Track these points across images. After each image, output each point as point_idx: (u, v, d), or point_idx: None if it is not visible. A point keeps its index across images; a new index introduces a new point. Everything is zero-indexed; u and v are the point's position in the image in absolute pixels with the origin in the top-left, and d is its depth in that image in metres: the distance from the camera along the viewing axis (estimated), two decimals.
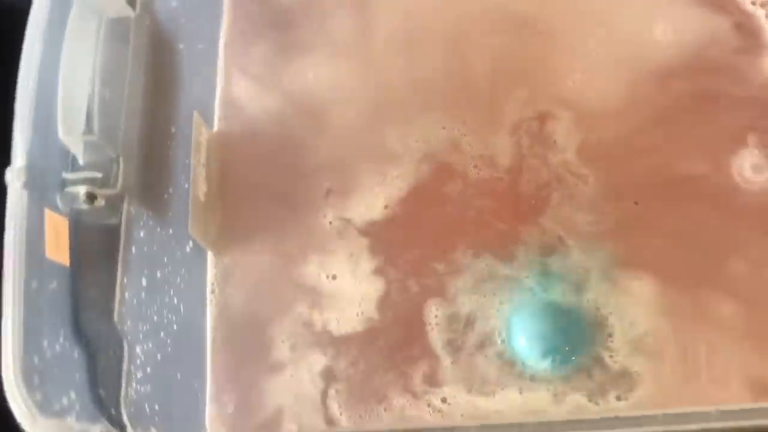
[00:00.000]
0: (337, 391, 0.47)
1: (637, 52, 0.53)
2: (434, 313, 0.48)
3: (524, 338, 0.46)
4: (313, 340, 0.49)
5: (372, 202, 0.52)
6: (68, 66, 0.42)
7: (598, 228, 0.49)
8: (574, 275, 0.47)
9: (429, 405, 0.46)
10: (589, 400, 0.45)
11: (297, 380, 0.48)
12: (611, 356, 0.46)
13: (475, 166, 0.52)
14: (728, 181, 0.49)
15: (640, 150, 0.51)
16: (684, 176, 0.50)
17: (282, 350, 0.49)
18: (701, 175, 0.50)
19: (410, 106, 0.54)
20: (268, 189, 0.54)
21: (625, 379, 0.45)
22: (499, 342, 0.47)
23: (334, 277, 0.50)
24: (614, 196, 0.50)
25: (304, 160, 0.54)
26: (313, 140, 0.55)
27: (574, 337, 0.46)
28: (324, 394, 0.48)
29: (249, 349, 0.50)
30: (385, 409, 0.47)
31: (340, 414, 0.47)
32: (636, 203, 0.50)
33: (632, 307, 0.46)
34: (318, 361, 0.48)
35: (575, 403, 0.45)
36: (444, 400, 0.46)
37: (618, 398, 0.45)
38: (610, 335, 0.46)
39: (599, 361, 0.45)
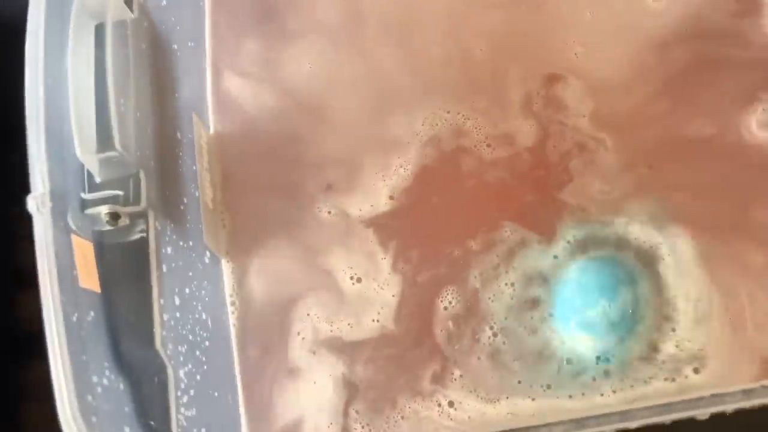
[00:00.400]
0: (357, 397, 0.47)
1: (634, 22, 0.53)
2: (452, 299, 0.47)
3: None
4: (332, 345, 0.48)
5: (377, 192, 0.50)
6: (76, 78, 0.38)
7: (619, 193, 0.49)
8: (610, 243, 0.48)
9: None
10: (666, 379, 0.45)
11: (319, 388, 0.47)
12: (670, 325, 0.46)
13: (489, 145, 0.51)
14: (739, 139, 0.50)
15: (649, 118, 0.51)
16: (695, 138, 0.50)
17: (302, 356, 0.48)
18: (712, 135, 0.50)
19: (412, 93, 0.53)
20: (272, 189, 0.52)
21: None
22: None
23: (351, 278, 0.49)
24: (629, 163, 0.50)
25: (306, 155, 0.52)
26: (314, 134, 0.53)
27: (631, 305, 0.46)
28: (346, 403, 0.46)
29: (273, 358, 0.48)
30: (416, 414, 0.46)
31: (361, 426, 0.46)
32: (650, 167, 0.50)
33: (675, 267, 0.47)
34: (336, 367, 0.47)
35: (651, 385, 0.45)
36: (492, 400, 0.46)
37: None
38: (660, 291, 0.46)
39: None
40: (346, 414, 0.47)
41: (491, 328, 0.47)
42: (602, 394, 0.45)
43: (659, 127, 0.51)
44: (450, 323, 0.47)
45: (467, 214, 0.50)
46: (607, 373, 0.45)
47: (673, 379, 0.45)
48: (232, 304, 0.49)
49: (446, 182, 0.51)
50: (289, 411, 0.47)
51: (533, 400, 0.45)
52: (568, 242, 0.48)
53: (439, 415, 0.46)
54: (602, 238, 0.48)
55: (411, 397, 0.46)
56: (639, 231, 0.48)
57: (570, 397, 0.45)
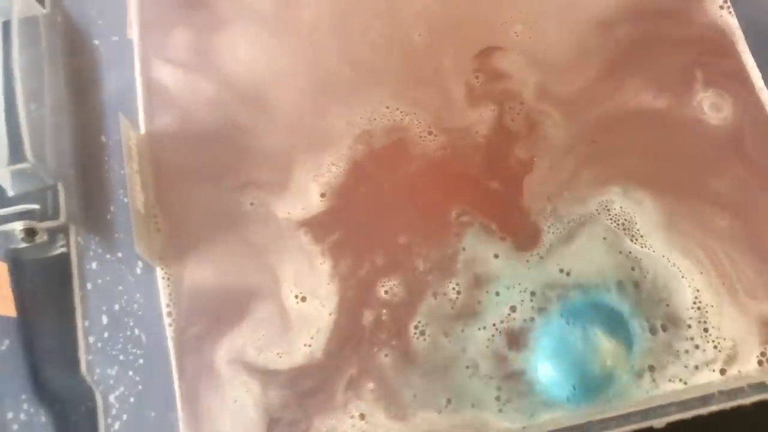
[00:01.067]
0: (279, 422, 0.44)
1: (577, 2, 0.52)
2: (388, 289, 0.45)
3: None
4: (264, 357, 0.45)
5: (311, 192, 0.48)
6: None
7: (570, 172, 0.48)
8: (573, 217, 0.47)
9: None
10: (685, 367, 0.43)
11: (241, 407, 0.44)
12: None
13: (430, 136, 0.49)
14: (683, 113, 0.49)
15: (594, 94, 0.49)
16: (642, 111, 0.49)
17: (228, 374, 0.45)
18: (658, 109, 0.49)
19: (352, 85, 0.50)
20: (209, 189, 0.49)
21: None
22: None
23: (296, 297, 0.46)
24: (579, 139, 0.48)
25: (244, 152, 0.49)
26: (252, 128, 0.50)
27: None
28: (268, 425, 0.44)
29: (210, 373, 0.45)
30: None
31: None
32: (596, 142, 0.48)
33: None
34: (257, 387, 0.44)
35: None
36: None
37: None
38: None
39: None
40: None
41: (421, 331, 0.45)
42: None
43: (606, 103, 0.49)
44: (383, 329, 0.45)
45: (410, 211, 0.48)
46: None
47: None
48: (169, 315, 0.46)
49: (389, 177, 0.48)
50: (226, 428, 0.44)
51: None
52: (524, 237, 0.46)
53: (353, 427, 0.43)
54: (565, 228, 0.47)
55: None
56: (604, 209, 0.47)
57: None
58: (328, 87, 0.50)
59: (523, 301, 0.45)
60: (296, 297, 0.46)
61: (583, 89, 0.50)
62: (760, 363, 0.42)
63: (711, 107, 0.49)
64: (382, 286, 0.46)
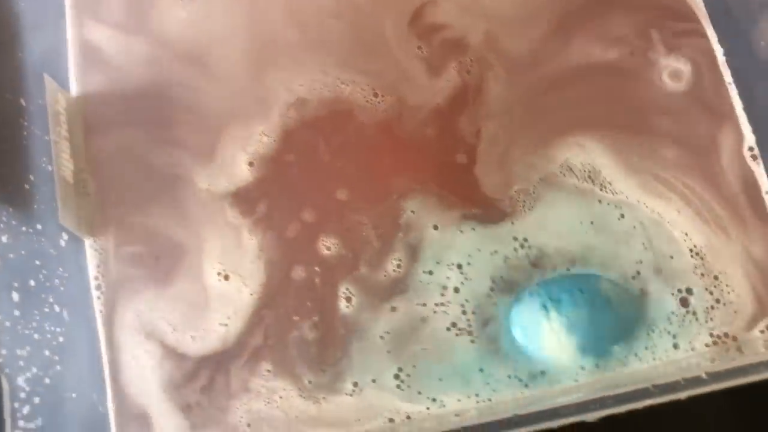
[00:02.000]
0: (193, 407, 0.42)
1: None
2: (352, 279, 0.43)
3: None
4: (179, 336, 0.43)
5: (240, 162, 0.45)
6: None
7: (529, 125, 0.46)
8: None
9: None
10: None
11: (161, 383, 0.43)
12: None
13: (376, 95, 0.46)
14: (635, 66, 0.47)
15: (544, 52, 0.47)
16: (595, 66, 0.47)
17: (152, 347, 0.43)
18: (609, 64, 0.47)
19: (297, 49, 0.48)
20: (142, 156, 0.46)
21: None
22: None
23: (219, 274, 0.44)
24: (530, 96, 0.46)
25: (178, 114, 0.47)
26: (188, 90, 0.47)
27: None
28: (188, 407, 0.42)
29: (138, 348, 0.43)
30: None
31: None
32: (545, 96, 0.47)
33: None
34: (183, 363, 0.43)
35: None
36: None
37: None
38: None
39: None
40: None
41: (349, 304, 0.43)
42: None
43: (556, 58, 0.47)
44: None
45: (348, 182, 0.45)
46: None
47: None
48: (98, 288, 0.44)
49: (328, 147, 0.46)
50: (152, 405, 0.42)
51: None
52: (470, 213, 0.44)
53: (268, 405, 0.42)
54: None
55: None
56: (565, 165, 0.45)
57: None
58: (271, 49, 0.48)
59: (465, 273, 0.43)
60: (219, 274, 0.43)
61: (532, 45, 0.47)
62: None
63: (665, 64, 0.47)
64: (310, 263, 0.44)
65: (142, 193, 0.45)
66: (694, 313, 0.43)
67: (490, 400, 0.41)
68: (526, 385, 0.41)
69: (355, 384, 0.42)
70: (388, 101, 0.46)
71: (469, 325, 0.42)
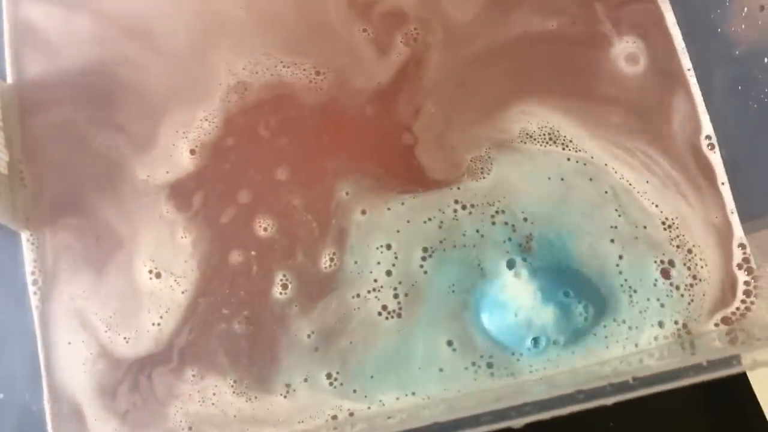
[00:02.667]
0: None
1: None
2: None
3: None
4: (112, 336, 0.42)
5: (181, 149, 0.44)
6: None
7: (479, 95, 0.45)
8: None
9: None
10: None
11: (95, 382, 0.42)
12: None
13: (318, 73, 0.45)
14: (581, 31, 0.46)
15: (487, 21, 0.46)
16: (534, 35, 0.46)
17: (89, 346, 0.42)
18: (553, 29, 0.46)
19: (242, 27, 0.46)
20: (83, 144, 0.45)
21: None
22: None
23: (150, 272, 0.42)
24: (475, 67, 0.45)
25: (126, 96, 0.45)
26: (136, 69, 0.45)
27: None
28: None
29: (72, 345, 0.42)
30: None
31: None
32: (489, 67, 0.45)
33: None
34: (117, 364, 0.42)
35: None
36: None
37: None
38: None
39: None
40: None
41: (285, 295, 0.41)
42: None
43: (497, 28, 0.46)
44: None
45: (294, 166, 0.44)
46: None
47: None
48: (34, 283, 0.43)
49: (268, 132, 0.44)
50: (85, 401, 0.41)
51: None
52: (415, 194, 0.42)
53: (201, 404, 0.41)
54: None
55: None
56: (522, 131, 0.44)
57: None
58: (216, 27, 0.46)
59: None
60: (150, 272, 0.42)
61: (474, 17, 0.46)
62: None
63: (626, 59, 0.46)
64: (247, 248, 0.42)
65: (82, 183, 0.44)
66: (677, 288, 0.42)
67: (428, 398, 0.40)
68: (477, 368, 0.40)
69: (288, 385, 0.41)
70: (330, 83, 0.45)
71: (399, 307, 0.41)
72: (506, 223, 0.43)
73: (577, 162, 0.44)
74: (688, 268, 0.42)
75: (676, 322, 0.41)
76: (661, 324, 0.41)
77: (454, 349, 0.41)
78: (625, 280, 0.42)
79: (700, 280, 0.42)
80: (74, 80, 0.45)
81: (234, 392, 0.40)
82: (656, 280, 0.42)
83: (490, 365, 0.40)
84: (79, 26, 0.46)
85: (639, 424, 0.43)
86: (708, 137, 0.44)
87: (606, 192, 0.43)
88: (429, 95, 0.44)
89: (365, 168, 0.43)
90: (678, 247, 0.43)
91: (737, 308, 0.42)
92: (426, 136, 0.44)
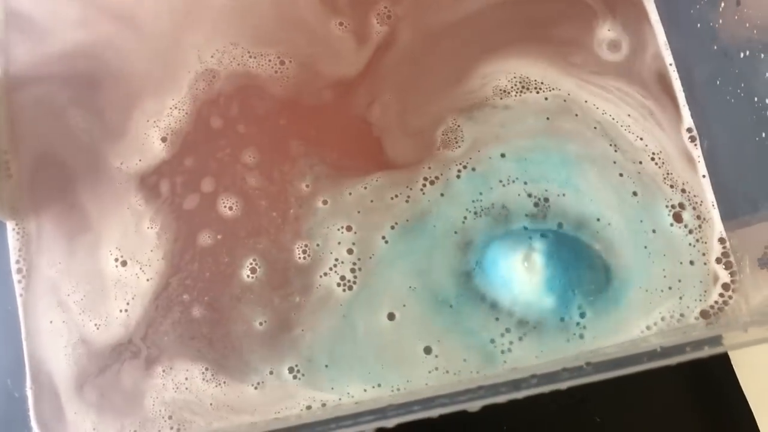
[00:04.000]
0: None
1: None
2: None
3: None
4: (83, 321, 0.43)
5: (151, 138, 0.44)
6: None
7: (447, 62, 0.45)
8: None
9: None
10: None
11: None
12: None
13: (282, 63, 0.45)
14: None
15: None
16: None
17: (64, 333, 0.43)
18: None
19: (220, 14, 0.46)
20: (66, 131, 0.45)
21: None
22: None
23: (116, 260, 0.43)
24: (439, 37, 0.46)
25: (105, 82, 0.45)
26: (117, 56, 0.46)
27: None
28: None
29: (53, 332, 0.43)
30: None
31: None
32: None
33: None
34: (90, 351, 0.42)
35: None
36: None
37: None
38: None
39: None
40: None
41: (252, 283, 0.42)
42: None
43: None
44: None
45: (260, 156, 0.44)
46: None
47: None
48: (19, 271, 0.43)
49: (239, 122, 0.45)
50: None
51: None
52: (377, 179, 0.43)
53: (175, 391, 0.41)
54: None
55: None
56: (495, 89, 0.45)
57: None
58: (197, 12, 0.46)
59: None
60: (116, 260, 0.42)
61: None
62: None
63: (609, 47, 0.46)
64: (206, 241, 0.43)
65: (65, 172, 0.44)
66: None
67: (399, 389, 0.40)
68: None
69: (257, 376, 0.41)
70: (296, 73, 0.45)
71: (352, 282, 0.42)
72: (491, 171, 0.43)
73: (556, 100, 0.44)
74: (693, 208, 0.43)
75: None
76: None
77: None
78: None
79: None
80: (61, 65, 0.46)
81: (204, 379, 0.41)
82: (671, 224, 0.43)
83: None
84: (65, 9, 0.46)
85: (616, 405, 0.43)
86: (689, 130, 0.44)
87: (595, 128, 0.44)
88: (393, 79, 0.45)
89: (330, 156, 0.44)
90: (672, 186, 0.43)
91: (716, 302, 0.42)
92: (389, 122, 0.44)
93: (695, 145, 0.44)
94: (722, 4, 0.39)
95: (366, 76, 0.45)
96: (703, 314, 0.42)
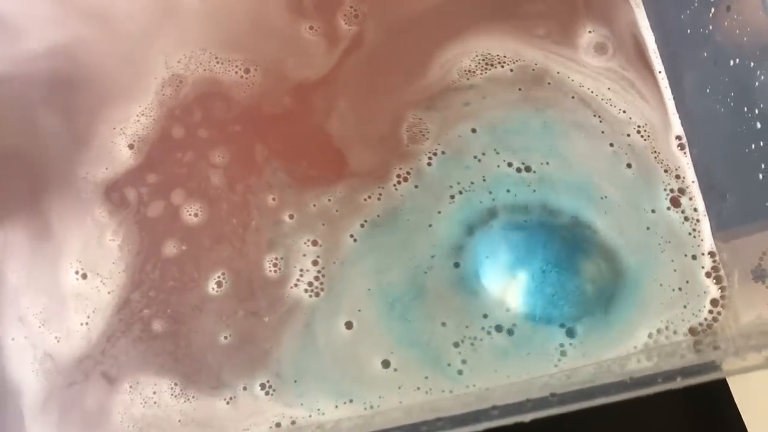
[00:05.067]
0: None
1: None
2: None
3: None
4: (43, 335, 0.41)
5: (118, 146, 0.43)
6: None
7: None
8: None
9: None
10: None
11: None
12: None
13: (247, 71, 0.44)
14: None
15: None
16: None
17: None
18: None
19: (192, 17, 0.45)
20: (35, 133, 0.44)
21: None
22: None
23: (76, 272, 0.42)
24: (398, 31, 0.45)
25: (77, 84, 0.44)
26: (89, 56, 0.44)
27: None
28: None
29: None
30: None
31: None
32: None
33: None
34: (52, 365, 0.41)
35: None
36: None
37: None
38: None
39: None
40: None
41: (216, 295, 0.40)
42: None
43: None
44: None
45: (226, 166, 0.43)
46: None
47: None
48: None
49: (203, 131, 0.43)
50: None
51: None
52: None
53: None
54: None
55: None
56: (461, 71, 0.44)
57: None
58: (169, 13, 0.45)
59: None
60: (77, 273, 0.41)
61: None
62: None
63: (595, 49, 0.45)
64: (170, 253, 0.42)
65: (32, 180, 0.43)
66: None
67: (371, 407, 0.39)
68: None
69: (228, 391, 0.40)
70: (263, 79, 0.44)
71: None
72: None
73: (523, 70, 0.43)
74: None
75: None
76: None
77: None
78: None
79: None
80: (33, 64, 0.44)
81: (173, 395, 0.40)
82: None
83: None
84: (38, 7, 0.45)
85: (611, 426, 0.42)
86: (678, 137, 0.43)
87: (573, 97, 0.43)
88: (352, 84, 0.44)
89: (295, 168, 0.42)
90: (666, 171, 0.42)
91: (705, 318, 0.41)
92: (348, 133, 0.43)
93: (684, 152, 0.43)
94: (712, 10, 0.38)
95: (325, 82, 0.44)
96: (692, 331, 0.40)
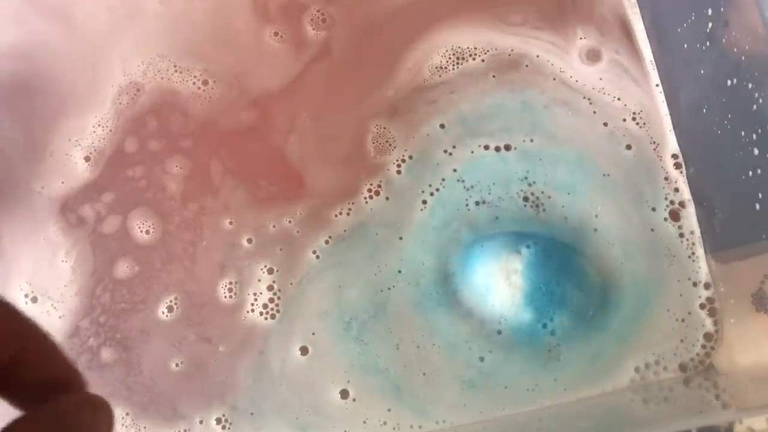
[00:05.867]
0: None
1: None
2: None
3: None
4: None
5: (73, 159, 0.41)
6: None
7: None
8: None
9: None
10: None
11: None
12: None
13: (205, 83, 0.42)
14: None
15: None
16: None
17: None
18: None
19: (154, 22, 0.43)
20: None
21: None
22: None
23: (26, 296, 0.39)
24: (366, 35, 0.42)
25: (39, 89, 0.42)
26: (50, 59, 0.42)
27: None
28: None
29: None
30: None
31: None
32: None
33: None
34: None
35: None
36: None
37: None
38: None
39: None
40: None
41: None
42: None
43: None
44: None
45: (183, 182, 0.41)
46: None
47: None
48: None
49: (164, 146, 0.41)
50: None
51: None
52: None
53: None
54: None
55: None
56: (433, 68, 0.42)
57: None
58: (133, 16, 0.43)
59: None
60: (26, 296, 0.39)
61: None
62: None
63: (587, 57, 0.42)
64: (123, 274, 0.39)
65: None
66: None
67: None
68: None
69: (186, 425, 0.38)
70: (222, 92, 0.42)
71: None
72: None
73: (496, 58, 0.41)
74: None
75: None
76: None
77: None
78: None
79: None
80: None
81: (123, 425, 0.38)
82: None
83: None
84: (2, 5, 0.43)
85: None
86: (674, 156, 0.40)
87: (554, 79, 0.41)
88: (312, 98, 0.41)
89: (254, 187, 0.40)
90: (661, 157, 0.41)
91: (697, 354, 0.38)
92: (309, 155, 0.41)
93: (680, 172, 0.40)
94: (710, 25, 0.35)
95: (286, 94, 0.41)
96: (682, 367, 0.38)
